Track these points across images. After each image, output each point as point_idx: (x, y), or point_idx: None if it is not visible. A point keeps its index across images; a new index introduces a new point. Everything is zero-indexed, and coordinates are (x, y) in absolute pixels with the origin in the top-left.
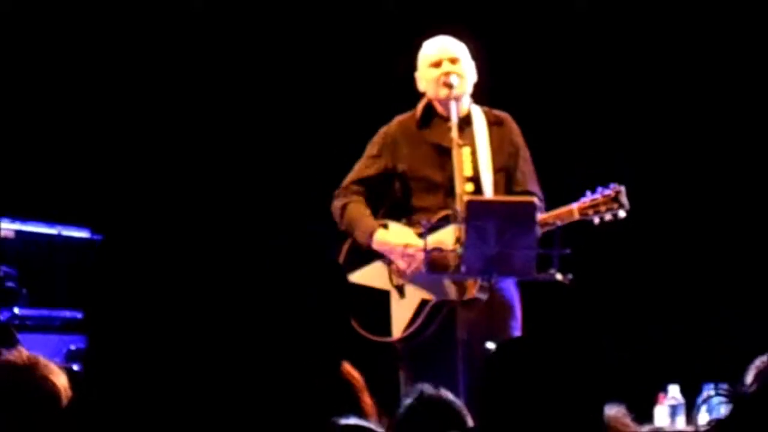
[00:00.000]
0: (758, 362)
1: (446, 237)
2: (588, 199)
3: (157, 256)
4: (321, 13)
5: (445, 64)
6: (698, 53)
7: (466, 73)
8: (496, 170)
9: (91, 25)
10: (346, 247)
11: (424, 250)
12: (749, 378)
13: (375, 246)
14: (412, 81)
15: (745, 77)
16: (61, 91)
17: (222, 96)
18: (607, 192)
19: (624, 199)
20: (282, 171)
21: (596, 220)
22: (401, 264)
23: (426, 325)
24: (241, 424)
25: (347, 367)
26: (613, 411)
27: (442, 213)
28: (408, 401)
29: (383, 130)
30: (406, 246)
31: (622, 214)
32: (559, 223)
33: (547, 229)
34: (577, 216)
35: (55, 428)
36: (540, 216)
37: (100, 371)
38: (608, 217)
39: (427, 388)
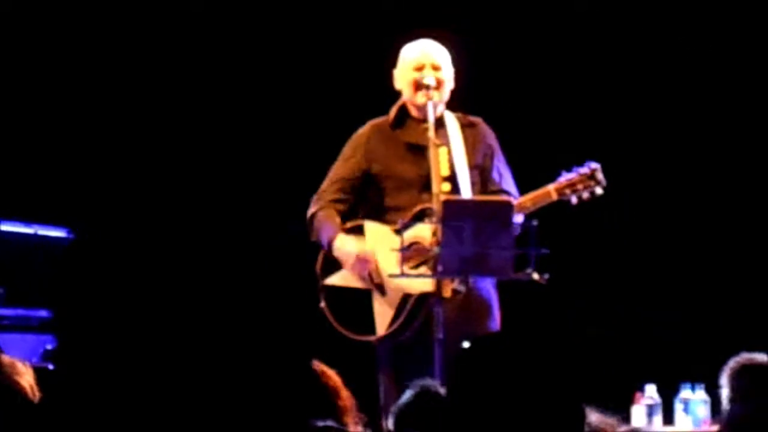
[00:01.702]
0: (732, 363)
1: (423, 232)
2: (564, 178)
3: (132, 256)
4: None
5: (427, 70)
6: (679, 51)
7: (446, 80)
8: (472, 167)
9: (74, 24)
10: (322, 252)
11: (401, 248)
12: (723, 379)
13: (335, 254)
14: (389, 79)
15: (734, 79)
16: (39, 89)
17: (200, 95)
18: (583, 170)
19: (600, 176)
20: (262, 169)
21: (574, 199)
22: (355, 271)
23: (410, 321)
24: (216, 425)
25: (322, 366)
26: (605, 416)
27: (418, 208)
28: (408, 396)
29: (357, 133)
30: (358, 255)
31: (599, 191)
32: (537, 205)
33: (526, 211)
34: (554, 196)
35: (21, 427)
36: (519, 199)
37: (71, 370)
38: (585, 195)
39: (428, 384)
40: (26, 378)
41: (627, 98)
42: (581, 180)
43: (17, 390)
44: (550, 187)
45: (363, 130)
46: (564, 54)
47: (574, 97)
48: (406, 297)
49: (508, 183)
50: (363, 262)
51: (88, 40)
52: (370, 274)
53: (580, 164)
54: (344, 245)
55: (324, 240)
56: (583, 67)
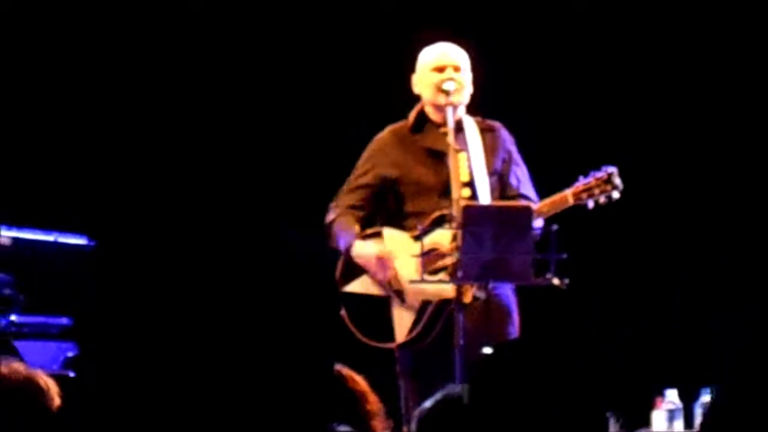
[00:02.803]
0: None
1: (442, 238)
2: (581, 183)
3: (152, 263)
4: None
5: (448, 71)
6: (690, 52)
7: (466, 83)
8: (490, 173)
9: (91, 30)
10: (342, 259)
11: (420, 254)
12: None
13: (355, 259)
14: (406, 86)
15: (740, 78)
16: (58, 97)
17: (215, 101)
18: (600, 174)
19: (617, 180)
20: (278, 177)
21: (591, 204)
22: (377, 274)
23: (430, 328)
24: (236, 430)
25: (349, 371)
26: None
27: (435, 215)
28: (432, 401)
29: (376, 138)
30: (378, 256)
31: (615, 195)
32: (554, 210)
33: (544, 216)
34: (571, 201)
35: None
36: (537, 204)
37: (92, 377)
38: (602, 200)
39: (452, 389)
40: (54, 392)
41: (646, 102)
42: (598, 185)
43: (48, 408)
44: (567, 192)
45: (382, 136)
46: (580, 57)
47: (591, 100)
48: (425, 304)
49: (527, 187)
50: (383, 262)
51: (106, 51)
52: (389, 281)
53: (597, 168)
54: (363, 249)
55: (342, 246)
56: (599, 69)
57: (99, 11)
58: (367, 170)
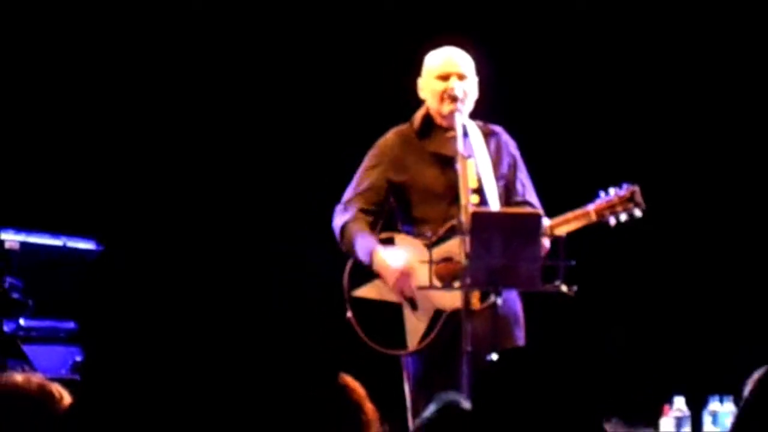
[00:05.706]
0: (756, 374)
1: (454, 248)
2: (604, 200)
3: (159, 268)
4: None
5: (453, 79)
6: (698, 54)
7: (471, 90)
8: (498, 179)
9: (95, 33)
10: (350, 263)
11: (429, 261)
12: (747, 391)
13: (375, 268)
14: (403, 91)
15: (744, 78)
16: (66, 101)
17: (221, 106)
18: (622, 192)
19: (639, 199)
20: (285, 184)
21: (612, 221)
22: (397, 289)
23: (442, 334)
24: None
25: (347, 378)
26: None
27: (449, 224)
28: (431, 410)
29: (380, 141)
30: (402, 271)
31: (638, 213)
32: (576, 225)
33: (564, 230)
34: (594, 218)
35: None
36: (558, 218)
37: (98, 381)
38: (624, 217)
39: (451, 397)
40: (59, 389)
41: (654, 108)
42: (621, 202)
43: (51, 398)
44: (590, 208)
45: (388, 138)
46: (589, 64)
47: (599, 109)
48: (438, 313)
49: (531, 194)
50: (405, 279)
51: (109, 55)
52: (398, 292)
53: (617, 184)
54: (386, 259)
55: (362, 252)
56: (611, 75)
57: (106, 12)
58: (376, 172)
